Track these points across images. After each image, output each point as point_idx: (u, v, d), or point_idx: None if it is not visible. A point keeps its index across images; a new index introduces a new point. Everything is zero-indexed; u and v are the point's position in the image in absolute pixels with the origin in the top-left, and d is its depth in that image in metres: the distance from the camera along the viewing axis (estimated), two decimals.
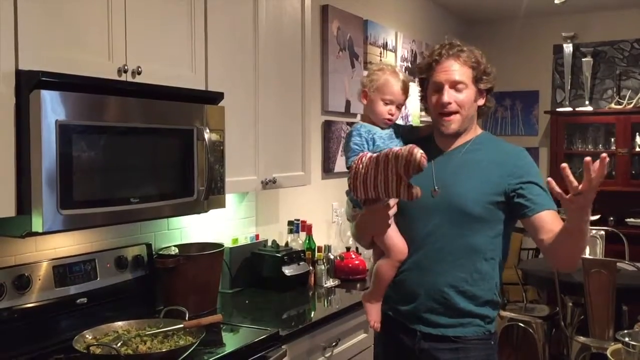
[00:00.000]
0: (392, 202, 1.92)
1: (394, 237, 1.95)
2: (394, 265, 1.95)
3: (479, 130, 2.03)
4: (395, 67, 2.08)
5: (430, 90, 1.97)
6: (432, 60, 1.96)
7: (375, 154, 1.85)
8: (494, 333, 1.96)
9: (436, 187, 1.91)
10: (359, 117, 4.15)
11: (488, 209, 1.88)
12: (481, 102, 1.98)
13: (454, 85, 1.91)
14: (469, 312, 1.91)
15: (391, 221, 1.94)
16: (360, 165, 1.84)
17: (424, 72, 2.00)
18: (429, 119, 2.10)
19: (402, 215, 1.96)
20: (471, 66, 1.93)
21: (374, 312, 2.02)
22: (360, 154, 1.87)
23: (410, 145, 1.76)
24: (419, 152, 1.73)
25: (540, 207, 1.84)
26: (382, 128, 1.99)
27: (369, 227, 1.97)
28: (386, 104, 1.97)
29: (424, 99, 2.05)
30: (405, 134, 2.05)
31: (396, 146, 1.88)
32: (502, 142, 2.05)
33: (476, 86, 1.94)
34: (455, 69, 1.92)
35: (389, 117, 1.98)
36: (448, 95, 1.91)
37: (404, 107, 2.07)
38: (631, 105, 5.41)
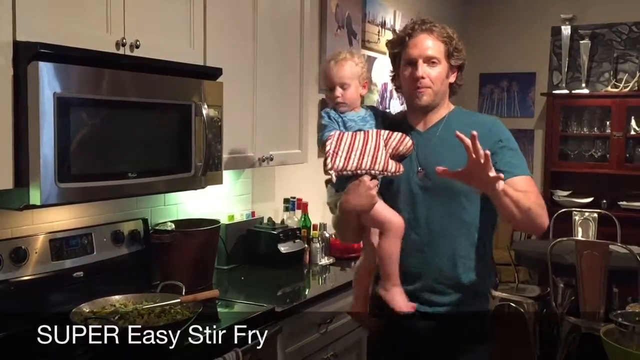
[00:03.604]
0: (366, 177, 1.87)
1: (384, 210, 1.89)
2: (395, 240, 1.88)
3: (452, 106, 2.03)
4: (340, 50, 2.02)
5: (403, 65, 1.96)
6: (404, 35, 1.95)
7: (360, 131, 1.91)
8: (487, 303, 1.99)
9: (420, 168, 1.92)
10: None
11: None
12: (452, 78, 1.98)
13: (428, 60, 1.92)
14: (469, 288, 1.92)
15: (376, 198, 1.87)
16: (344, 137, 1.88)
17: (396, 46, 1.99)
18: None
19: (390, 201, 1.93)
20: (443, 41, 1.93)
21: (397, 298, 1.88)
22: (337, 130, 1.91)
23: (399, 132, 1.91)
24: (410, 139, 1.91)
25: (513, 172, 1.85)
26: (352, 110, 1.96)
27: (354, 203, 1.87)
28: (329, 90, 1.97)
29: (394, 78, 2.04)
30: (380, 116, 2.03)
31: (370, 128, 1.94)
32: (475, 114, 2.07)
33: (448, 62, 1.94)
34: (429, 44, 1.92)
35: (336, 101, 1.95)
36: (421, 70, 1.91)
37: (359, 81, 1.97)
38: (627, 89, 5.41)
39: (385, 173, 1.88)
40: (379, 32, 4.37)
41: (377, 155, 1.86)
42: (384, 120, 2.01)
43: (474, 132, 1.62)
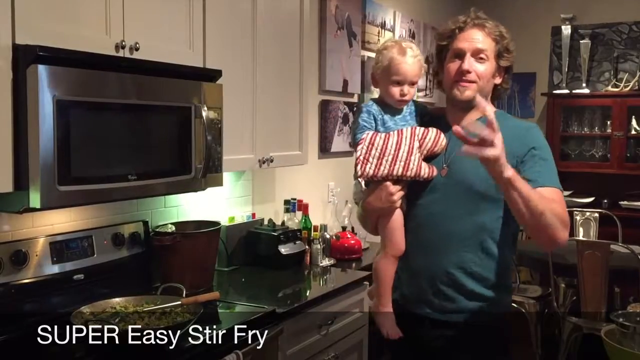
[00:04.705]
0: (389, 183, 1.86)
1: (396, 230, 1.88)
2: (391, 261, 1.88)
3: (493, 109, 1.87)
4: (403, 41, 1.93)
5: (449, 57, 1.88)
6: (455, 27, 1.87)
7: (394, 131, 1.86)
8: (504, 319, 1.89)
9: (444, 166, 1.86)
10: (355, 97, 4.14)
11: (496, 185, 1.71)
12: (498, 80, 1.90)
13: (476, 54, 1.83)
14: (478, 296, 1.83)
15: (399, 203, 1.86)
16: (376, 140, 1.84)
17: (444, 38, 1.91)
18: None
19: (412, 193, 1.89)
20: (494, 39, 1.85)
21: (386, 321, 1.90)
22: (370, 132, 1.86)
23: (435, 128, 1.85)
24: (444, 138, 1.85)
25: (541, 182, 1.77)
26: (397, 109, 1.90)
27: (374, 205, 1.89)
28: (396, 84, 1.86)
29: (437, 73, 1.96)
30: (419, 112, 1.97)
31: (410, 127, 1.88)
32: (514, 118, 1.97)
33: (497, 61, 1.86)
34: (479, 39, 1.84)
35: (401, 98, 1.87)
36: (468, 63, 1.83)
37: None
38: (628, 88, 5.41)
39: (418, 178, 1.84)
40: (378, 32, 4.37)
41: (410, 160, 1.82)
42: (423, 117, 1.95)
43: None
